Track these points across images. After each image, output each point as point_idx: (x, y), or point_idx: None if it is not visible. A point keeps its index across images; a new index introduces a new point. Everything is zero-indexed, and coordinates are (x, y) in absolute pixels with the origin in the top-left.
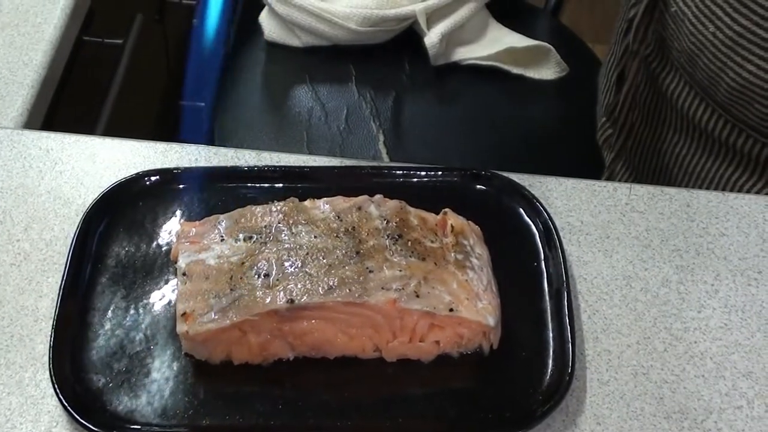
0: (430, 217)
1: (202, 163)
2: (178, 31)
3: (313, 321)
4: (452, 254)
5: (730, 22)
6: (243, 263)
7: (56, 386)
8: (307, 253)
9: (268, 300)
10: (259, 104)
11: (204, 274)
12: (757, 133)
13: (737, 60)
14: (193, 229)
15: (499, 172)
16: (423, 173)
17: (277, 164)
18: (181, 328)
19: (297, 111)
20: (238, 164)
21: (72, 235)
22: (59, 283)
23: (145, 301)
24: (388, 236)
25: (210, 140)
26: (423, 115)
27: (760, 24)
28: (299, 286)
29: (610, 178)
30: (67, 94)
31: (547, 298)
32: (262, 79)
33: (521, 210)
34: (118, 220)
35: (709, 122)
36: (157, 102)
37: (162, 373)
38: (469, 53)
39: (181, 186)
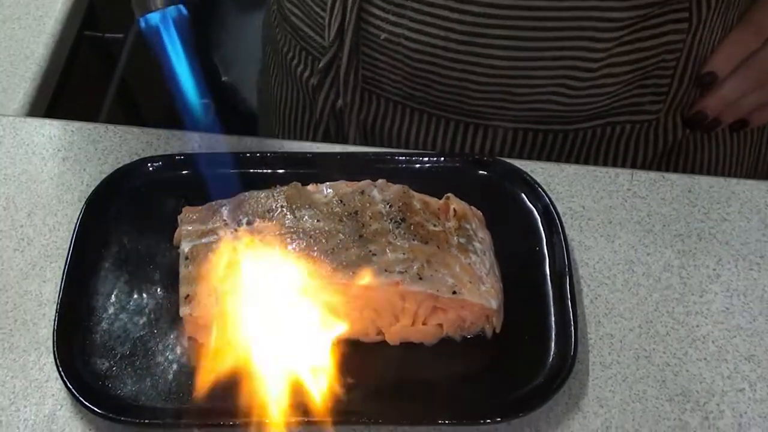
0: (433, 201)
1: (205, 150)
2: None
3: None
4: (455, 238)
5: (461, 16)
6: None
7: (60, 369)
8: (310, 237)
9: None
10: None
11: (207, 258)
12: (514, 122)
13: (481, 52)
14: (196, 214)
15: (501, 158)
16: (425, 159)
17: (279, 150)
18: (185, 310)
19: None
20: (240, 151)
21: (75, 221)
22: (62, 268)
23: (148, 285)
24: (390, 220)
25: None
26: None
27: (494, 3)
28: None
29: None
30: (68, 88)
31: (549, 282)
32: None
33: (523, 195)
34: (121, 205)
35: None
36: (157, 96)
37: (165, 356)
38: None
39: (183, 172)
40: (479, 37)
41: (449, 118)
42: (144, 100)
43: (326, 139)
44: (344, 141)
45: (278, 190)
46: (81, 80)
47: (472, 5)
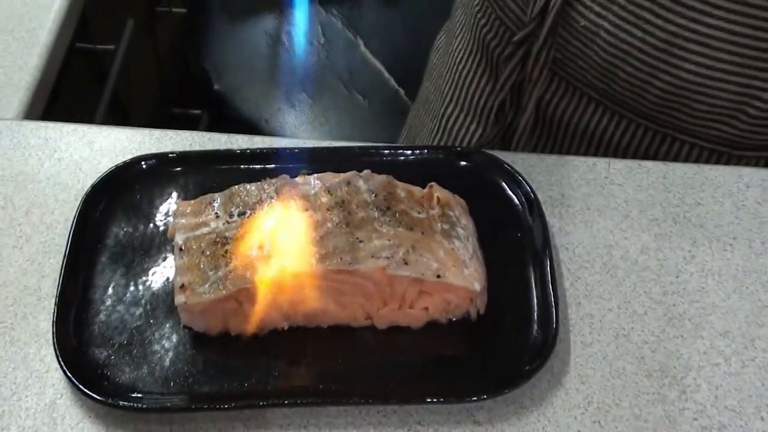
0: (417, 190)
1: (197, 148)
2: (169, 38)
3: (306, 290)
4: (439, 224)
5: (663, 23)
6: (238, 237)
7: (60, 360)
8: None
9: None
10: (240, 40)
11: (200, 249)
12: (683, 134)
13: (672, 62)
14: (189, 208)
15: (483, 150)
16: (409, 152)
17: (268, 146)
18: (180, 299)
19: (276, 36)
20: (231, 148)
21: (71, 218)
22: (60, 263)
23: (144, 278)
24: (376, 208)
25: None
26: (393, 12)
27: (698, 19)
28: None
29: None
30: (60, 98)
31: (531, 266)
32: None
33: (504, 184)
34: (116, 202)
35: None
36: (149, 108)
37: (162, 345)
38: None
39: (176, 169)
40: (675, 47)
41: (623, 115)
42: (134, 109)
43: (500, 109)
44: (519, 114)
45: (268, 182)
46: (73, 90)
47: (676, 16)
